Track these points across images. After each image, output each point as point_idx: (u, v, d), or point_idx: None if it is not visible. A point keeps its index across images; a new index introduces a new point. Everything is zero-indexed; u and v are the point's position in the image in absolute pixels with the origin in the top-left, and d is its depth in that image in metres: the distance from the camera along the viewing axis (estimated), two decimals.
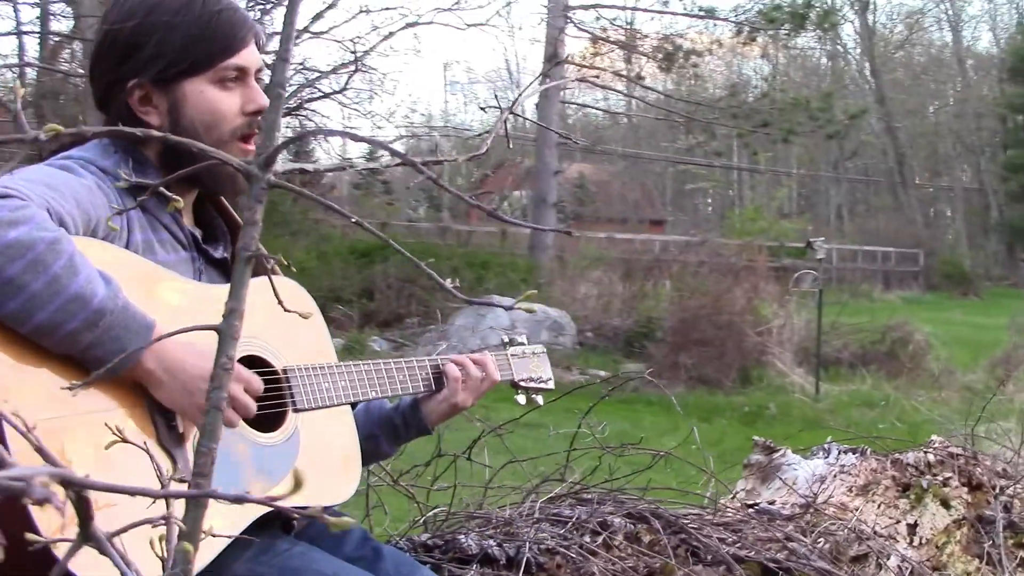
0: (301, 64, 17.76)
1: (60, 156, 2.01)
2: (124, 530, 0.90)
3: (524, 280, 18.74)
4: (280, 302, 1.24)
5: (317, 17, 17.36)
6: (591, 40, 23.85)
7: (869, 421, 10.87)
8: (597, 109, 35.42)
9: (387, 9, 19.47)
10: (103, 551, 0.86)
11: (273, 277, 2.17)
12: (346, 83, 16.68)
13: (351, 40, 16.87)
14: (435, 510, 2.97)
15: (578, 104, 32.59)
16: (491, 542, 2.62)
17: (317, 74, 17.43)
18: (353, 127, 17.37)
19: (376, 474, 3.05)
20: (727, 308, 13.94)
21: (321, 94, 17.41)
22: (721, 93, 27.05)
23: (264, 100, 2.14)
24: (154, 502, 1.15)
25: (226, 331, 1.16)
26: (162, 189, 1.26)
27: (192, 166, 2.06)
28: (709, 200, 53.01)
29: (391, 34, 17.03)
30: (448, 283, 1.15)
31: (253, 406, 1.87)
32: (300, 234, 19.55)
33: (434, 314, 16.42)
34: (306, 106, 17.65)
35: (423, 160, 1.16)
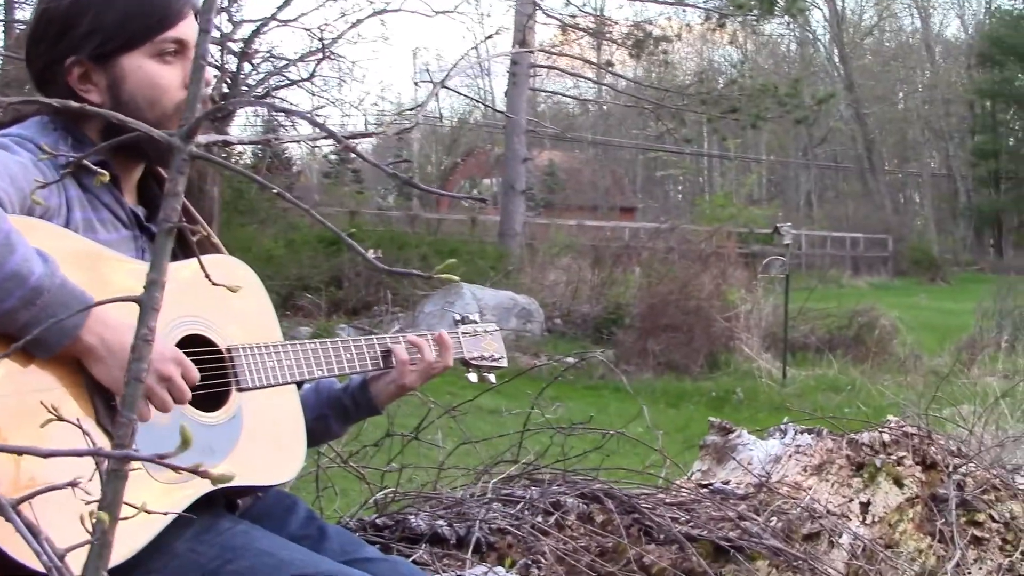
0: (268, 52, 17.67)
1: None
2: (28, 497, 0.90)
3: (493, 267, 18.72)
4: (207, 275, 1.23)
5: (285, 4, 17.27)
6: (560, 27, 23.84)
7: (835, 405, 10.88)
8: (567, 96, 35.42)
9: None
10: (6, 517, 0.86)
11: (215, 256, 2.17)
12: (313, 71, 16.55)
13: (319, 28, 16.73)
14: (384, 491, 2.96)
15: (548, 92, 32.55)
16: (441, 522, 2.62)
17: (285, 62, 17.31)
18: (321, 115, 17.28)
19: (327, 455, 3.05)
20: (695, 294, 13.96)
21: (288, 82, 17.28)
22: (691, 80, 27.12)
23: (208, 74, 2.13)
24: (91, 478, 1.15)
25: (147, 302, 1.15)
26: (86, 162, 1.26)
27: (135, 143, 2.07)
28: (680, 187, 53.14)
29: (359, 21, 16.90)
30: (370, 254, 1.15)
31: (188, 393, 1.86)
32: (268, 222, 19.48)
33: (402, 301, 16.40)
34: (273, 94, 17.54)
35: (348, 135, 1.16)
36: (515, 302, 15.54)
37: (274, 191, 1.14)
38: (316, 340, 2.24)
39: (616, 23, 24.46)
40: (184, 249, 2.20)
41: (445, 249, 19.75)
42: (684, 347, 13.40)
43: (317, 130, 1.14)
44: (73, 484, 0.90)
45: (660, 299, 13.96)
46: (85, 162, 1.98)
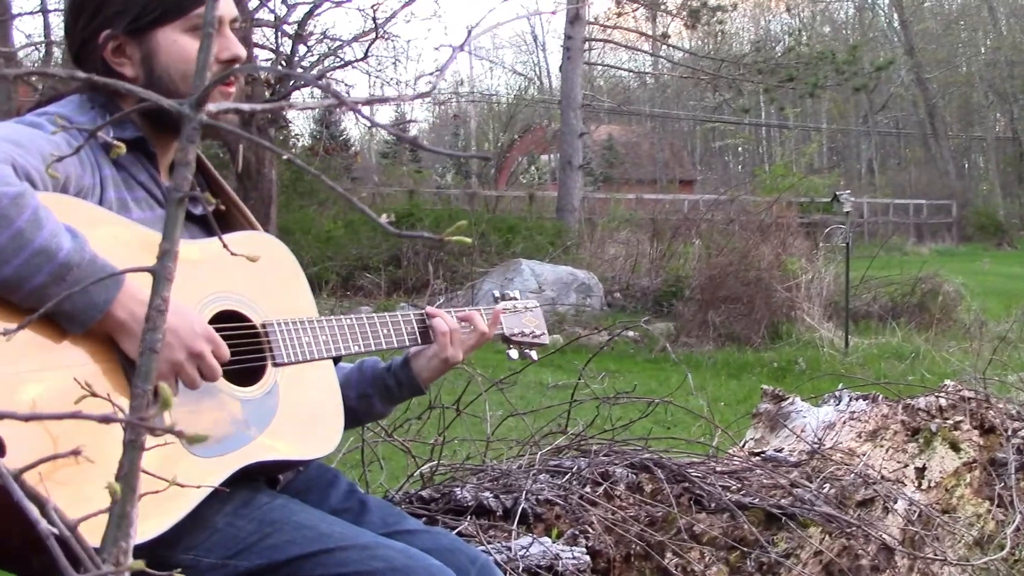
0: (323, 34, 17.72)
1: (35, 112, 2.00)
2: (31, 467, 0.90)
3: (552, 243, 18.69)
4: (225, 246, 1.22)
5: None
6: (615, 0, 23.71)
7: (899, 373, 10.77)
8: (622, 69, 35.23)
9: None
10: (7, 487, 0.86)
11: (249, 232, 2.17)
12: (367, 51, 16.56)
13: (371, 7, 16.74)
14: (430, 464, 2.96)
15: (603, 65, 32.38)
16: (488, 494, 2.61)
17: (339, 43, 17.35)
18: (378, 95, 17.26)
19: (371, 429, 3.05)
20: (755, 265, 13.85)
21: (343, 62, 17.31)
22: (748, 50, 26.87)
23: (240, 49, 2.13)
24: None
25: (160, 272, 1.15)
26: (101, 134, 1.26)
27: (169, 120, 2.07)
28: (739, 158, 52.73)
29: (410, 0, 16.87)
30: (383, 218, 1.14)
31: (218, 371, 1.86)
32: (327, 203, 19.57)
33: (461, 279, 16.42)
34: (328, 75, 17.59)
35: (357, 100, 1.15)
36: (575, 277, 15.51)
37: (284, 156, 1.13)
38: (352, 315, 2.22)
39: None
40: (221, 226, 2.20)
41: (504, 226, 19.73)
42: (744, 318, 13.32)
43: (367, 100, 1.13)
44: (76, 452, 0.89)
45: (720, 271, 13.87)
46: (110, 137, 1.99)
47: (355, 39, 17.16)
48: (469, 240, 1.14)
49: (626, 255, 17.52)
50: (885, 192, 39.58)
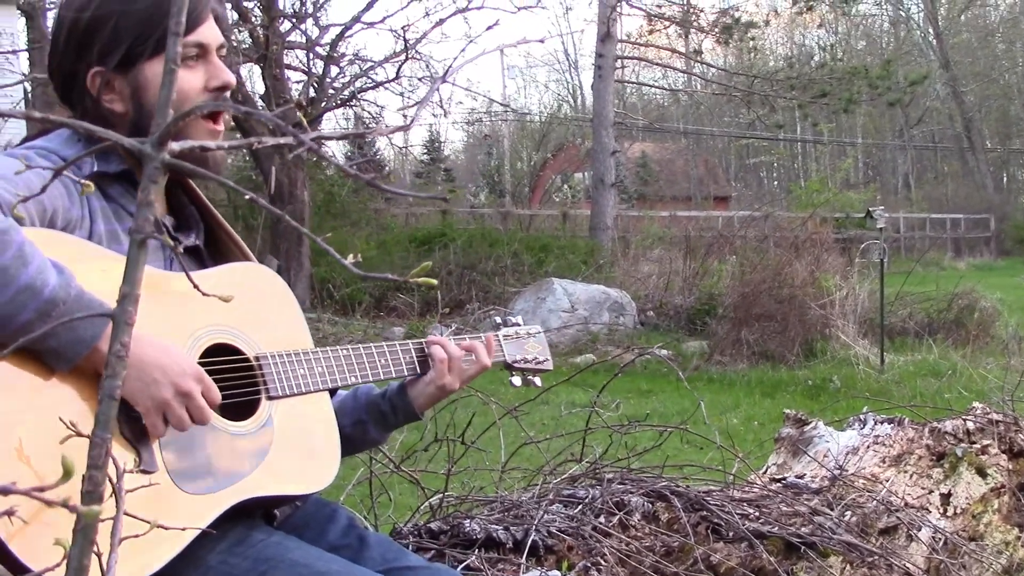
0: (355, 55, 17.78)
1: (23, 146, 1.98)
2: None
3: (584, 262, 18.65)
4: (196, 286, 1.19)
5: (368, 7, 17.37)
6: (646, 17, 23.68)
7: (935, 391, 10.65)
8: (654, 87, 35.15)
9: None
10: None
11: (243, 264, 2.14)
12: (398, 71, 16.61)
13: (402, 28, 16.79)
14: (437, 495, 2.91)
15: (635, 83, 32.32)
16: (497, 526, 2.57)
17: (370, 64, 17.41)
18: (407, 115, 17.31)
19: (380, 461, 3.00)
20: (789, 282, 13.75)
21: (374, 83, 17.37)
22: (781, 65, 26.78)
23: (229, 76, 2.10)
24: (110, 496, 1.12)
25: (119, 316, 1.11)
26: (67, 173, 1.23)
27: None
28: (774, 174, 52.52)
29: (441, 21, 16.91)
30: (348, 259, 1.10)
31: (208, 414, 1.83)
32: (359, 224, 19.62)
33: (494, 299, 16.40)
34: (360, 96, 17.66)
35: (322, 136, 1.11)
36: (607, 295, 15.44)
37: (247, 197, 1.10)
38: (349, 347, 2.19)
39: (702, 11, 24.23)
40: (215, 257, 2.17)
41: (536, 245, 19.71)
42: (779, 336, 13.22)
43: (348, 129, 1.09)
44: (9, 513, 0.86)
45: (753, 288, 13.78)
46: (94, 170, 1.96)
47: (386, 60, 17.22)
48: (434, 282, 1.10)
49: (659, 273, 17.46)
50: (922, 206, 39.28)
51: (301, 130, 1.15)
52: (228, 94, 2.10)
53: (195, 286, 1.21)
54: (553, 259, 18.70)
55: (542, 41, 1.46)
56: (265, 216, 16.81)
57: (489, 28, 1.58)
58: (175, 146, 1.11)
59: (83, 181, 1.12)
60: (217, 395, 1.85)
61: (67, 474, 0.76)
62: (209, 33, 2.06)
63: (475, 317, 15.52)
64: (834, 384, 11.64)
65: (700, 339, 14.24)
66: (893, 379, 11.73)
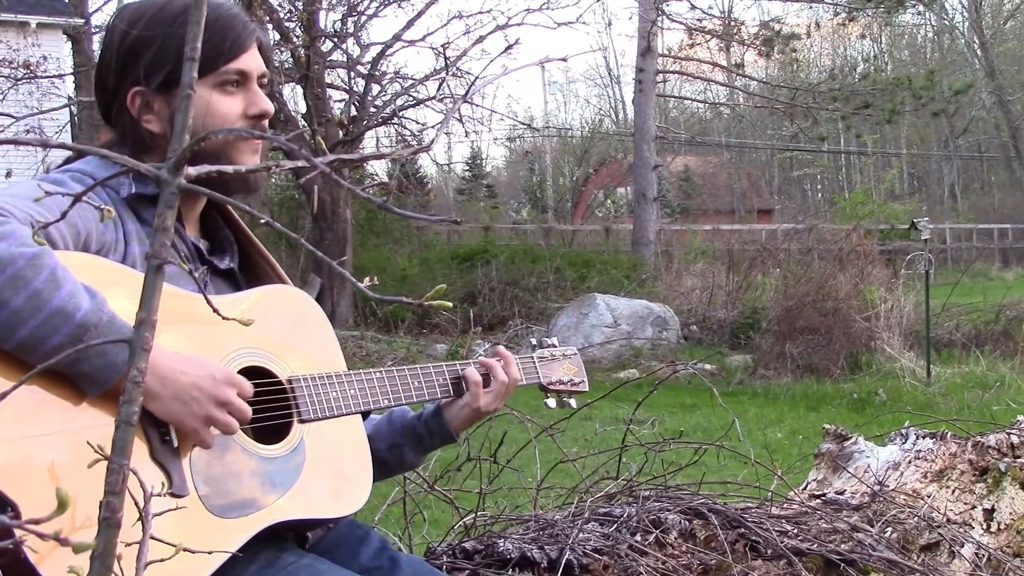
0: (396, 73, 17.87)
1: (58, 170, 2.00)
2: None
3: (627, 277, 18.62)
4: (215, 310, 1.19)
5: (409, 25, 17.47)
6: (687, 31, 23.64)
7: (983, 403, 10.54)
8: (695, 101, 35.10)
9: (479, 13, 19.27)
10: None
11: (276, 287, 2.14)
12: (439, 88, 16.67)
13: (442, 46, 16.86)
14: (471, 515, 2.90)
15: (676, 97, 32.28)
16: (532, 545, 2.56)
17: (411, 82, 17.49)
18: (450, 132, 17.39)
19: (414, 480, 3.00)
20: (833, 295, 13.65)
21: (415, 101, 17.45)
22: (824, 77, 26.66)
23: (267, 105, 2.11)
24: (137, 520, 1.12)
25: (136, 342, 1.11)
26: (86, 199, 1.23)
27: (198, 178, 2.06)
28: (818, 186, 52.23)
29: (481, 38, 16.98)
30: (364, 283, 1.10)
31: (248, 411, 1.83)
32: (402, 242, 19.69)
33: (536, 315, 16.39)
34: (401, 114, 17.74)
35: (331, 159, 1.11)
36: (650, 310, 15.40)
37: (262, 221, 1.10)
38: (383, 369, 2.19)
39: (743, 24, 24.17)
40: (250, 280, 2.18)
41: (579, 260, 19.71)
42: (823, 349, 13.12)
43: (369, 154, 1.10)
44: (17, 543, 0.86)
45: (797, 301, 13.69)
46: (132, 191, 1.97)
47: (427, 78, 17.30)
48: (450, 305, 1.09)
49: (702, 287, 17.40)
50: (968, 217, 38.95)
51: (316, 153, 1.16)
52: (266, 122, 2.12)
53: (215, 311, 1.22)
54: (596, 274, 18.68)
55: (565, 59, 1.46)
56: (309, 234, 16.90)
57: (508, 49, 1.58)
58: (192, 171, 1.11)
59: (105, 207, 1.12)
60: (250, 388, 1.86)
61: (62, 506, 0.76)
62: (251, 62, 2.08)
63: (514, 332, 15.53)
64: (880, 397, 11.54)
65: (744, 353, 14.17)
66: (940, 392, 11.62)
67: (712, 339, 15.40)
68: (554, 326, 15.07)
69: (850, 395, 11.72)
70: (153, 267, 1.11)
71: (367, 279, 1.12)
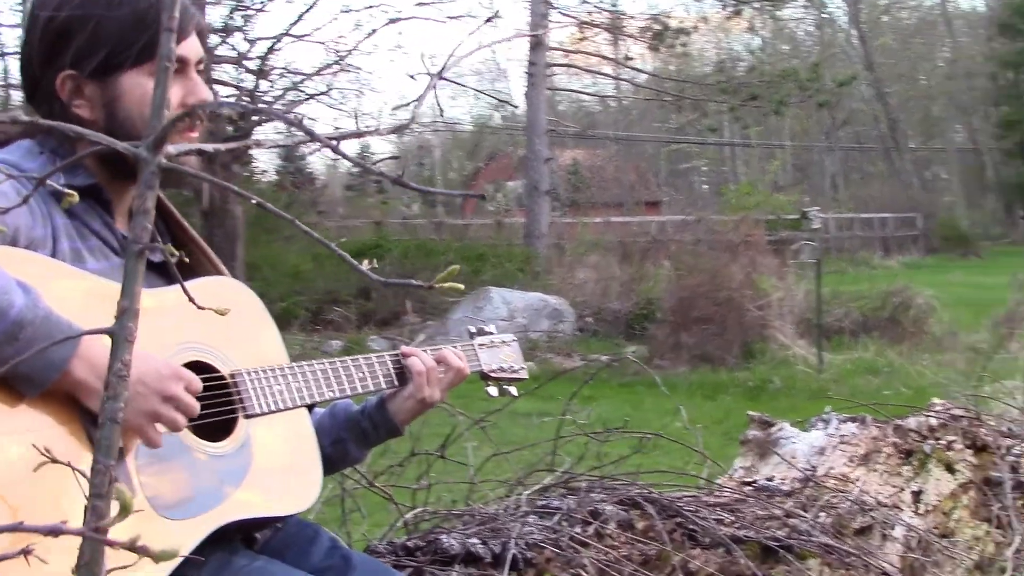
0: (285, 68, 17.65)
1: None
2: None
3: (521, 270, 18.63)
4: (191, 299, 1.13)
5: (298, 20, 17.26)
6: (577, 25, 23.72)
7: (874, 388, 10.74)
8: (585, 94, 35.26)
9: (369, 8, 19.10)
10: None
11: (215, 278, 2.06)
12: (330, 84, 16.50)
13: (333, 41, 16.70)
14: (414, 511, 2.84)
15: (566, 90, 32.36)
16: (475, 540, 2.51)
17: (301, 77, 17.29)
18: (340, 127, 17.22)
19: (352, 477, 2.93)
20: (725, 284, 13.79)
21: (306, 96, 17.24)
22: (710, 70, 26.96)
23: (206, 93, 2.02)
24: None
25: (119, 334, 1.04)
26: (50, 182, 1.15)
27: (126, 165, 1.96)
28: (704, 178, 52.85)
29: (373, 32, 16.88)
30: (364, 265, 1.04)
31: (196, 406, 1.75)
32: (293, 238, 19.44)
33: (431, 310, 16.32)
34: (292, 109, 17.51)
35: (333, 136, 1.05)
36: (545, 303, 15.42)
37: (254, 201, 1.04)
38: (325, 360, 2.11)
39: (632, 17, 24.31)
40: (183, 272, 2.09)
41: (472, 254, 19.66)
42: (717, 338, 13.26)
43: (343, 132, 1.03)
44: (26, 552, 0.79)
45: (690, 292, 13.82)
46: (60, 184, 1.88)
47: (317, 73, 17.11)
48: (462, 287, 1.04)
49: (596, 279, 17.45)
50: (849, 207, 39.72)
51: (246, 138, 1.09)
52: None
53: (190, 299, 1.15)
54: (489, 268, 18.65)
55: (537, 36, 1.41)
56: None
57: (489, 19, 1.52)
58: (171, 149, 1.04)
59: (67, 191, 1.05)
60: (198, 384, 1.77)
61: (126, 510, 0.69)
62: (190, 48, 1.98)
63: (410, 328, 15.42)
64: (774, 385, 11.70)
65: (639, 344, 14.24)
66: (832, 378, 11.82)
67: (608, 330, 15.46)
68: (449, 320, 15.02)
69: (745, 383, 11.86)
70: (134, 253, 1.04)
71: (366, 262, 1.06)
